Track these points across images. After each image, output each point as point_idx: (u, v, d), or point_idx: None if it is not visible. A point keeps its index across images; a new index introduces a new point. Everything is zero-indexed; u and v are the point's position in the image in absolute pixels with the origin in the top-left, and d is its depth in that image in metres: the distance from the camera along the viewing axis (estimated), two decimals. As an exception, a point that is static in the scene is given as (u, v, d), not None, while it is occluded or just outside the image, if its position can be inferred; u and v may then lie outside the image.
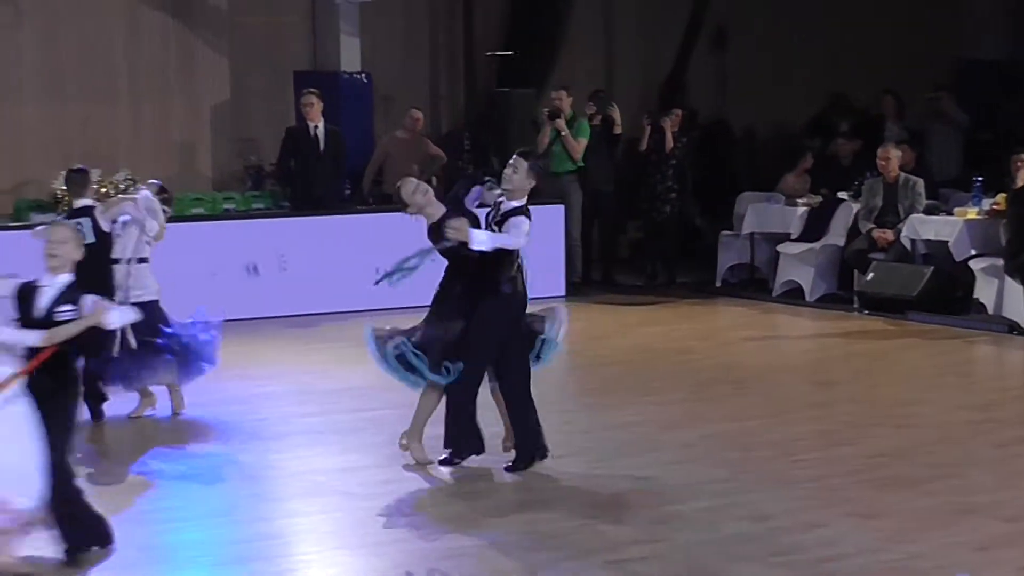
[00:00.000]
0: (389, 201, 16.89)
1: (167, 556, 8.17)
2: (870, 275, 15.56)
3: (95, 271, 9.86)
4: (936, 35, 20.57)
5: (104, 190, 15.13)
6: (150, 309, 10.94)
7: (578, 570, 7.69)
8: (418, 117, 17.34)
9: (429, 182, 17.56)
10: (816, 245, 16.56)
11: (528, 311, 9.82)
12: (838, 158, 17.95)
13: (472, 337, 9.50)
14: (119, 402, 11.34)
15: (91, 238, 10.60)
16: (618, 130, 17.40)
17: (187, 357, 11.24)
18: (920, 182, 15.87)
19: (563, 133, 16.96)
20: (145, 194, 11.56)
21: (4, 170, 16.69)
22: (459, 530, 8.40)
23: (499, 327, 9.55)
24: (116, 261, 11.13)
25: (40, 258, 7.92)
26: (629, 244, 19.22)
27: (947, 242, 15.27)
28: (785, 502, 8.84)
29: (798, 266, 16.66)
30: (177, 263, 14.92)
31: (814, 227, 16.69)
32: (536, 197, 14.62)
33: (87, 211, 11.12)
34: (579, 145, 17.08)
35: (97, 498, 9.03)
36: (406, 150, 17.16)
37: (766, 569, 7.67)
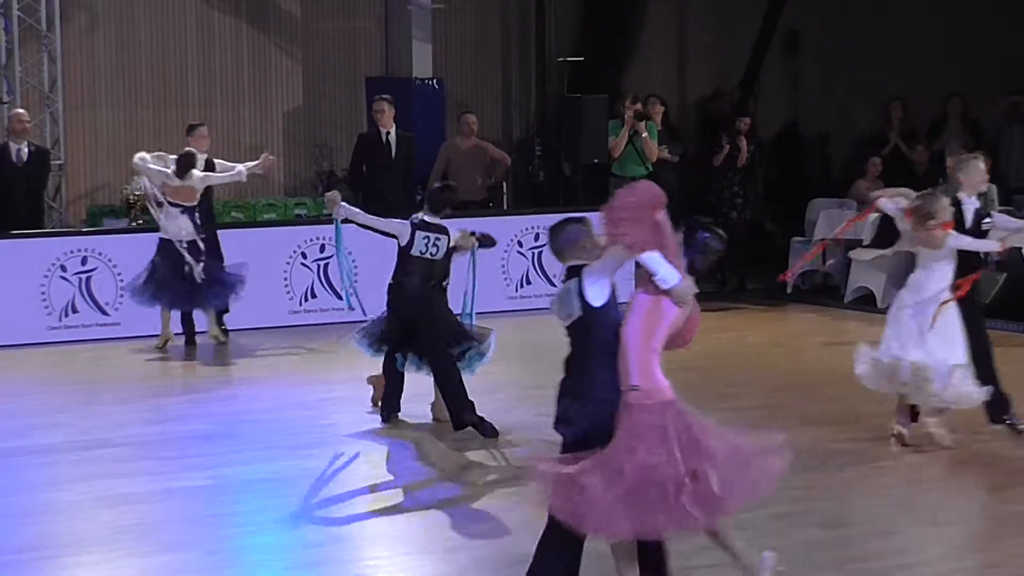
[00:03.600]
0: (457, 207, 16.97)
1: (238, 560, 8.22)
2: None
3: None
4: (1012, 38, 20.37)
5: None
6: None
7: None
8: (472, 121, 17.31)
9: (497, 187, 17.71)
10: (888, 251, 16.42)
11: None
12: (913, 165, 17.82)
13: None
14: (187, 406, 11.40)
15: None
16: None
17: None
18: (993, 188, 15.71)
19: (644, 135, 16.94)
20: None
21: (79, 176, 16.86)
22: (527, 536, 8.37)
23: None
24: None
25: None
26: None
27: (1021, 248, 15.12)
28: (858, 509, 8.80)
29: (870, 272, 16.55)
30: (249, 266, 15.06)
31: (886, 233, 16.54)
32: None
33: None
34: (654, 147, 17.07)
35: (167, 501, 9.14)
36: (467, 156, 17.18)
37: (836, 574, 7.63)
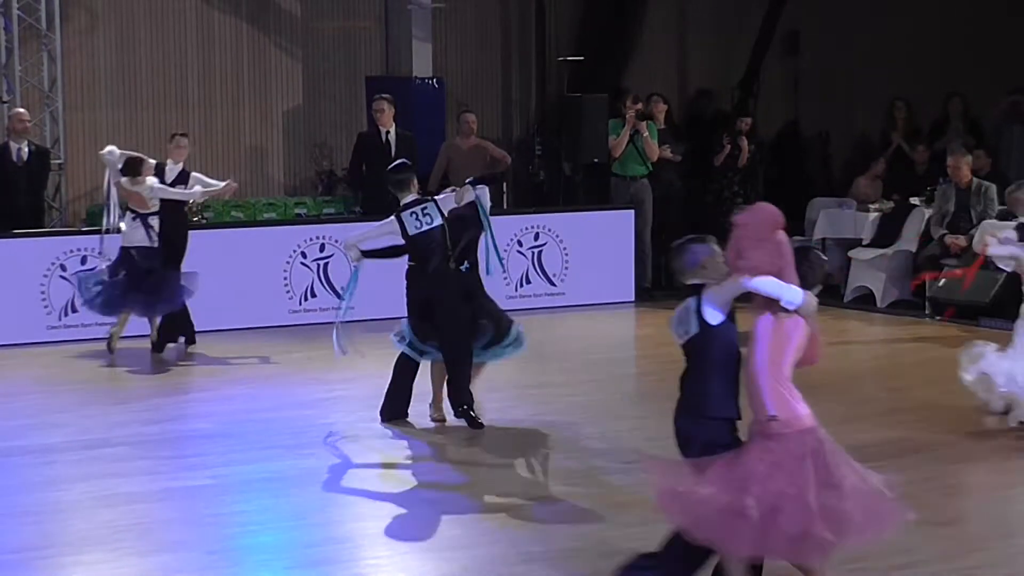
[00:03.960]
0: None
1: (239, 560, 8.22)
2: (942, 281, 15.44)
3: None
4: (1011, 36, 20.37)
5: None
6: None
7: None
8: (472, 120, 17.31)
9: (499, 185, 17.68)
10: (888, 251, 16.46)
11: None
12: (913, 164, 17.83)
13: None
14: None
15: None
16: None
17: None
18: (993, 188, 15.74)
19: (645, 135, 16.93)
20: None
21: (79, 176, 16.85)
22: (531, 535, 8.40)
23: None
24: None
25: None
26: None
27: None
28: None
29: (870, 272, 16.56)
30: (248, 266, 15.07)
31: (886, 233, 16.58)
32: (609, 202, 14.68)
33: None
34: (655, 147, 17.07)
35: (167, 501, 9.13)
36: (467, 155, 17.17)
37: (837, 574, 7.62)
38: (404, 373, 11.28)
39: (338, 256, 15.48)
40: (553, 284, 16.10)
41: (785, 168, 19.69)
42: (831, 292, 17.08)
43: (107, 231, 13.77)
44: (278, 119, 18.07)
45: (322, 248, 15.42)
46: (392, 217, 11.20)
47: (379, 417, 11.22)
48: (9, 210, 15.04)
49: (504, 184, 18.05)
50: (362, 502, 9.28)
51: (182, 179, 13.90)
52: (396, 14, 18.24)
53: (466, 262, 11.08)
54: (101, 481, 9.60)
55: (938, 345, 14.27)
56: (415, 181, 11.35)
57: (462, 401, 10.93)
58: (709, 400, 6.90)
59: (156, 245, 13.62)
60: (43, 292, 14.46)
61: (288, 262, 15.36)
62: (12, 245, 14.54)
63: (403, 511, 9.00)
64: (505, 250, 16.08)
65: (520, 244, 16.19)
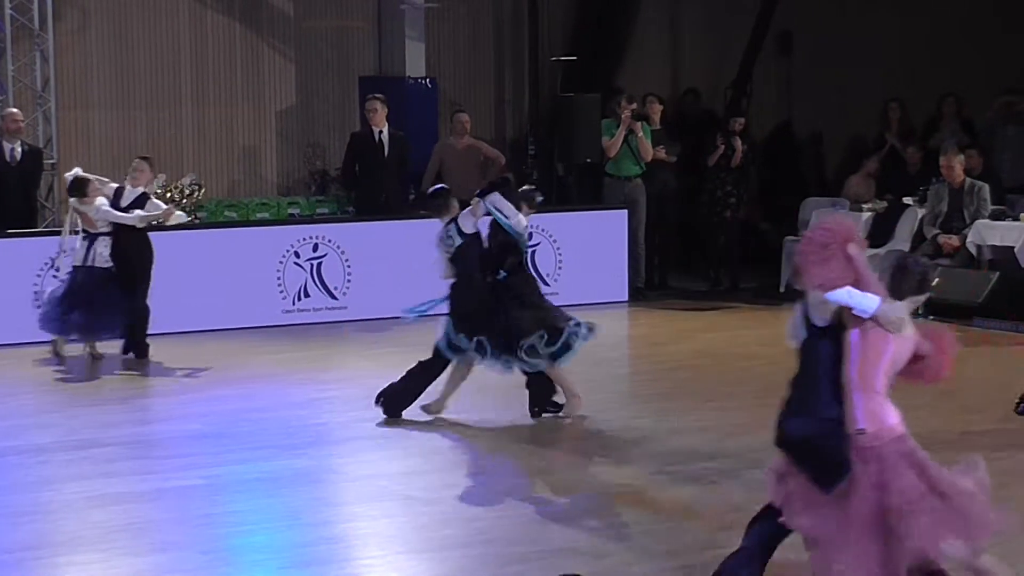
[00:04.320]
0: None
1: (231, 560, 8.21)
2: (935, 281, 15.41)
3: None
4: (1004, 37, 20.39)
5: (169, 195, 15.26)
6: None
7: (641, 576, 7.68)
8: (465, 120, 17.31)
9: (496, 186, 17.65)
10: (881, 251, 16.46)
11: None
12: (906, 165, 17.84)
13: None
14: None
15: None
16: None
17: None
18: (986, 187, 15.76)
19: (640, 135, 16.93)
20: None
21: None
22: (523, 536, 8.40)
23: None
24: None
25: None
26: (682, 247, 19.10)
27: (1013, 248, 15.16)
28: (850, 509, 8.78)
29: (863, 271, 16.55)
30: (241, 266, 15.06)
31: (879, 232, 16.60)
32: (603, 202, 14.67)
33: None
34: (649, 147, 17.07)
35: (160, 501, 9.12)
36: (460, 155, 17.18)
37: (831, 576, 7.62)
38: (424, 373, 11.27)
39: (331, 255, 15.49)
40: (547, 284, 16.07)
41: (778, 168, 19.70)
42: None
43: (62, 251, 13.72)
44: (271, 119, 18.06)
45: (315, 248, 15.41)
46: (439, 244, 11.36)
47: (376, 401, 11.22)
48: (2, 210, 15.02)
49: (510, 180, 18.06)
50: (355, 502, 9.28)
51: (139, 203, 13.57)
52: (389, 14, 18.23)
53: (501, 271, 11.17)
54: (93, 481, 9.58)
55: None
56: (451, 203, 11.37)
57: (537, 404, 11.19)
58: (816, 401, 6.91)
59: (107, 266, 13.42)
60: (36, 292, 14.43)
61: (281, 262, 15.35)
62: (5, 245, 14.52)
63: (396, 511, 9.00)
64: (498, 250, 16.12)
65: (514, 244, 16.17)
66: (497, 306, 11.08)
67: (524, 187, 12.04)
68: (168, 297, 14.52)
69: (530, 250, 16.21)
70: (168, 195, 15.24)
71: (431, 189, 11.96)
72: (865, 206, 16.90)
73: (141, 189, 13.70)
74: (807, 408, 6.95)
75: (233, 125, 17.83)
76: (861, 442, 6.79)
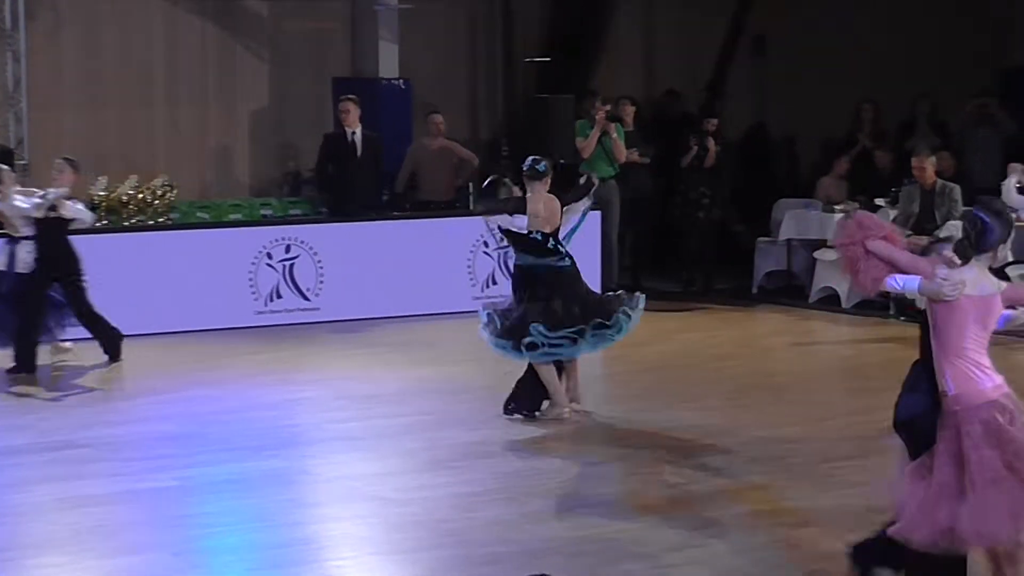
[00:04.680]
0: (425, 207, 16.96)
1: (202, 561, 8.18)
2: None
3: None
4: (978, 43, 20.46)
5: (142, 196, 15.21)
6: None
7: (615, 577, 7.68)
8: (439, 121, 17.29)
9: (464, 186, 17.72)
10: (854, 252, 16.49)
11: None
12: (877, 167, 17.88)
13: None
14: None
15: None
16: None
17: None
18: (957, 189, 15.79)
19: (614, 136, 16.94)
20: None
21: (43, 175, 16.72)
22: (495, 536, 8.39)
23: None
24: None
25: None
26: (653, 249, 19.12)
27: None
28: (824, 509, 8.81)
29: (835, 272, 16.57)
30: (214, 267, 15.02)
31: (853, 234, 16.61)
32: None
33: None
34: (623, 148, 17.07)
35: (131, 503, 9.09)
36: (434, 156, 17.16)
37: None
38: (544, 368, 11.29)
39: (304, 257, 15.45)
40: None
41: (752, 169, 19.71)
42: (797, 293, 17.14)
43: None
44: (244, 120, 18.01)
45: (288, 249, 15.37)
46: None
47: (511, 411, 11.30)
48: (-27, 210, 14.92)
49: (471, 185, 18.04)
50: (327, 504, 9.26)
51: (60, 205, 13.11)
52: (363, 15, 18.19)
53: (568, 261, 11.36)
54: (64, 483, 9.54)
55: (903, 345, 14.27)
56: (492, 202, 11.81)
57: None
58: (920, 376, 7.21)
59: (18, 271, 13.04)
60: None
61: (254, 263, 15.30)
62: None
63: (368, 513, 8.98)
64: (471, 251, 16.12)
65: (486, 245, 16.17)
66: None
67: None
68: (140, 298, 14.48)
69: (503, 251, 16.27)
70: (141, 196, 15.19)
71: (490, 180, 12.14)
72: (837, 207, 16.91)
73: (66, 190, 13.40)
74: (912, 384, 7.26)
75: (206, 126, 17.78)
76: (946, 406, 6.94)
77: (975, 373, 6.91)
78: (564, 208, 11.44)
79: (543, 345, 11.03)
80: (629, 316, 11.21)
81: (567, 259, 11.31)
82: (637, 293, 11.44)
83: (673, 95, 19.69)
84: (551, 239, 11.26)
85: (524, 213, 11.26)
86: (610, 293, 11.73)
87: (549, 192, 11.43)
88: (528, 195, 11.37)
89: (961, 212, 15.66)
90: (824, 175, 17.94)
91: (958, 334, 6.93)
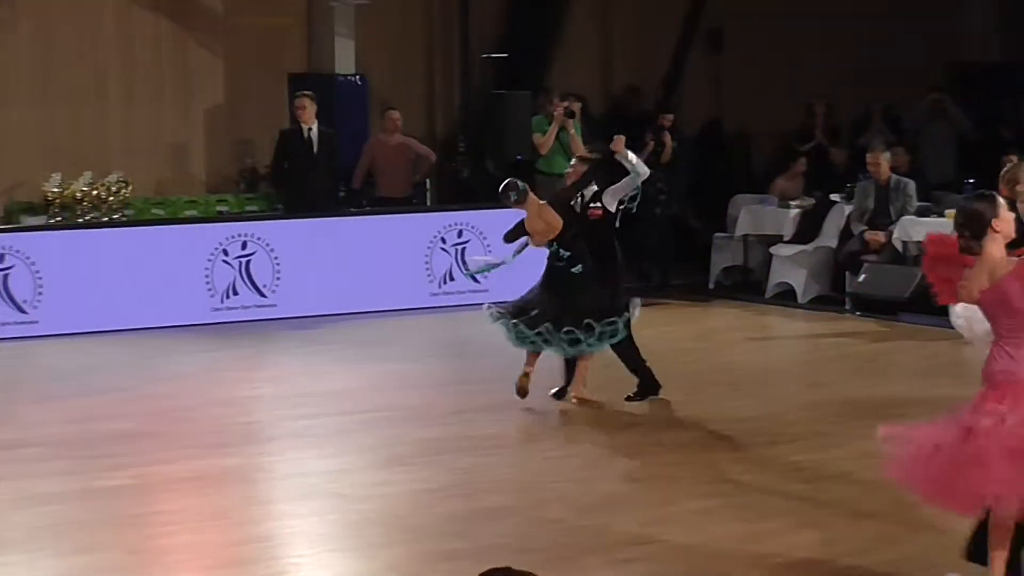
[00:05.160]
0: (382, 203, 16.95)
1: (158, 560, 8.15)
2: (862, 277, 15.58)
3: None
4: (931, 39, 20.57)
5: (96, 192, 15.15)
6: None
7: (573, 571, 7.68)
8: (396, 117, 17.28)
9: (421, 183, 17.71)
10: (809, 247, 16.58)
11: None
12: (833, 163, 17.96)
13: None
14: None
15: None
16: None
17: None
18: (912, 184, 15.89)
19: (571, 132, 16.95)
20: None
21: (-1, 171, 16.68)
22: (452, 532, 8.39)
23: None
24: None
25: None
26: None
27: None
28: (778, 503, 8.84)
29: (791, 268, 16.67)
30: (170, 264, 14.97)
31: (807, 229, 16.70)
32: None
33: None
34: (580, 144, 17.08)
35: (87, 501, 9.05)
36: (391, 152, 17.15)
37: (760, 570, 7.67)
38: (629, 350, 11.62)
39: (260, 253, 15.42)
40: (476, 281, 16.09)
41: (708, 165, 19.78)
42: (753, 288, 17.20)
43: None
44: (199, 116, 17.96)
45: (244, 246, 15.34)
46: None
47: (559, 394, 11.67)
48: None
49: (428, 181, 18.02)
50: (284, 501, 9.24)
51: None
52: (319, 11, 18.16)
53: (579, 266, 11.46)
54: (18, 482, 9.48)
55: (858, 340, 14.38)
56: (513, 195, 11.69)
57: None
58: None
59: None
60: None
61: (210, 260, 15.26)
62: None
63: (325, 510, 8.96)
64: (429, 247, 16.11)
65: (444, 241, 16.18)
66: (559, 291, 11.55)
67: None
68: (96, 296, 14.43)
69: (460, 247, 16.28)
70: (95, 192, 15.14)
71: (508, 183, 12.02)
72: (793, 203, 17.00)
73: None
74: None
75: (161, 122, 17.71)
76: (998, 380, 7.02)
77: (1002, 352, 7.05)
78: (610, 190, 11.75)
79: (510, 331, 11.36)
80: (605, 337, 11.40)
81: (578, 264, 11.44)
82: (626, 315, 11.52)
83: (633, 91, 19.72)
84: (560, 248, 11.48)
85: (527, 233, 11.54)
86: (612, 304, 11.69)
87: (540, 200, 11.62)
88: (524, 218, 11.57)
89: (916, 207, 15.78)
90: (781, 170, 18.00)
91: (998, 321, 7.08)
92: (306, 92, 16.25)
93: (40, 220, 15.83)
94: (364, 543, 8.30)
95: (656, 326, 15.13)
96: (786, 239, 16.78)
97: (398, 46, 18.94)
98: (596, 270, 11.48)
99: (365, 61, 18.24)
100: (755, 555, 7.89)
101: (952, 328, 14.20)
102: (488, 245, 16.27)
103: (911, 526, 8.31)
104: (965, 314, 10.09)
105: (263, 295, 15.47)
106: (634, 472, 9.64)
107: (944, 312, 14.86)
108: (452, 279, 16.20)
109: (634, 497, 9.08)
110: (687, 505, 8.83)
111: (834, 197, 16.80)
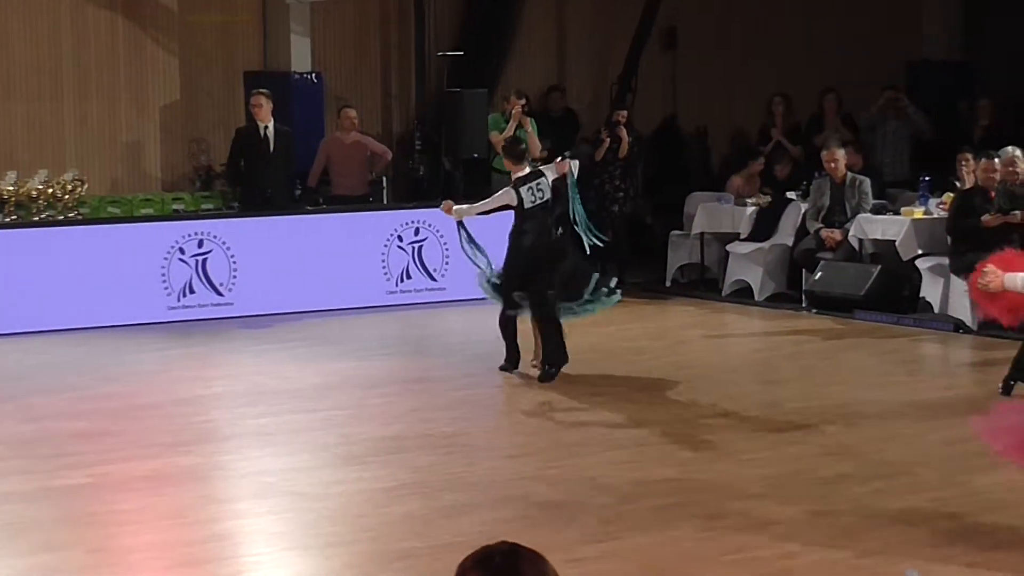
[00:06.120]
0: (338, 202, 16.93)
1: (118, 559, 8.13)
2: (818, 274, 15.65)
3: None
4: (887, 37, 20.69)
5: (51, 190, 15.08)
6: None
7: (530, 570, 7.68)
8: (352, 115, 17.27)
9: (377, 181, 17.70)
10: (765, 245, 16.64)
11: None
12: (794, 162, 18.02)
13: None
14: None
15: None
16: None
17: None
18: (867, 182, 15.97)
19: (529, 130, 16.98)
20: None
21: (-49, 170, 16.58)
22: (410, 531, 8.39)
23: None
24: None
25: None
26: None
27: (894, 241, 15.38)
28: (736, 501, 8.88)
29: (747, 266, 16.73)
30: (126, 262, 14.92)
31: (763, 227, 16.76)
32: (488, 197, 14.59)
33: None
34: (537, 143, 17.12)
35: (45, 501, 9.01)
36: (347, 150, 17.14)
37: (719, 568, 7.70)
38: (507, 327, 12.38)
39: (216, 251, 15.38)
40: (434, 279, 16.10)
41: (664, 162, 19.83)
42: (710, 286, 17.27)
43: None
44: (154, 114, 17.90)
45: (200, 244, 15.30)
46: (510, 189, 12.26)
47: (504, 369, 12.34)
48: None
49: (384, 179, 18.01)
50: (242, 499, 9.23)
51: None
52: (274, 8, 18.13)
53: (560, 228, 12.42)
54: (-25, 481, 9.44)
55: (814, 338, 14.45)
56: (529, 157, 12.69)
57: (553, 361, 12.18)
58: None
59: None
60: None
61: (166, 258, 15.21)
62: None
63: (283, 508, 8.95)
64: (385, 245, 16.11)
65: (400, 239, 16.18)
66: (558, 259, 12.40)
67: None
68: (51, 294, 14.37)
69: (417, 245, 16.27)
70: (51, 190, 15.07)
71: (510, 140, 12.93)
72: (749, 201, 17.06)
73: None
74: None
75: (116, 120, 17.65)
76: None
77: None
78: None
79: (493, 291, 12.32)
80: (574, 312, 12.34)
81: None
82: (608, 289, 12.58)
83: (557, 90, 19.66)
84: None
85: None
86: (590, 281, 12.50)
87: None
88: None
89: (872, 205, 15.87)
90: (737, 168, 18.04)
91: None
92: (262, 90, 16.22)
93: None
94: (322, 542, 8.30)
95: (612, 324, 15.16)
96: (742, 237, 16.84)
97: (354, 44, 18.93)
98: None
99: (321, 59, 18.23)
100: (713, 553, 7.92)
101: (905, 326, 14.34)
102: (445, 243, 16.30)
103: (870, 523, 8.37)
104: None
105: (219, 293, 15.43)
106: (590, 471, 9.66)
107: (898, 310, 15.03)
108: (409, 277, 16.20)
109: (591, 495, 9.09)
110: (644, 503, 8.85)
111: (790, 195, 16.88)
